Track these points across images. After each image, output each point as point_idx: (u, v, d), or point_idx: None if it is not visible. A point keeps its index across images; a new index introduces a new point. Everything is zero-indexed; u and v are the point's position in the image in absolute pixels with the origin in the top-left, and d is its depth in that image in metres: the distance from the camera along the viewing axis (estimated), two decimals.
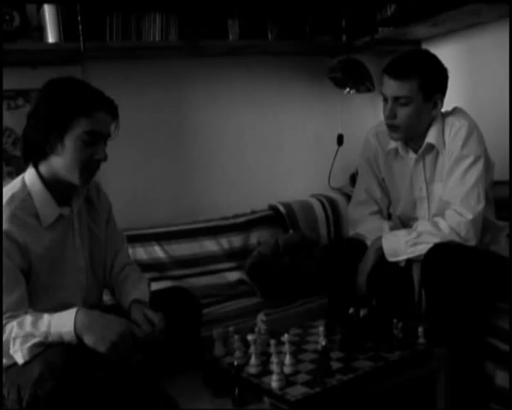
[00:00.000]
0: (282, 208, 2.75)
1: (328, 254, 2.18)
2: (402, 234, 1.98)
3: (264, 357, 1.55)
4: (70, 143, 1.49)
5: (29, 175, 1.55)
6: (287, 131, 3.00)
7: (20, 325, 1.38)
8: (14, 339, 1.37)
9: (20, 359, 1.36)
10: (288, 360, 1.49)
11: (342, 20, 2.79)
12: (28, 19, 2.28)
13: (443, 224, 1.90)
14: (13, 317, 1.40)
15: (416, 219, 2.08)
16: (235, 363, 1.51)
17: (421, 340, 1.65)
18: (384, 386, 1.54)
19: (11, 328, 1.38)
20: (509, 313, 1.75)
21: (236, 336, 1.63)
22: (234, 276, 2.50)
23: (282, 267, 2.37)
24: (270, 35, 2.67)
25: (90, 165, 1.53)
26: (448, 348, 1.68)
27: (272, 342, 1.47)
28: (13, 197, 1.50)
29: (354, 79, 2.86)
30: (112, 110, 1.56)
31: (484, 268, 1.83)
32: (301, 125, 3.03)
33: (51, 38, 2.24)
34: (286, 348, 1.50)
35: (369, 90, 2.90)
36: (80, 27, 2.23)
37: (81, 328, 1.39)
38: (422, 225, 1.95)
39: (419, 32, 2.66)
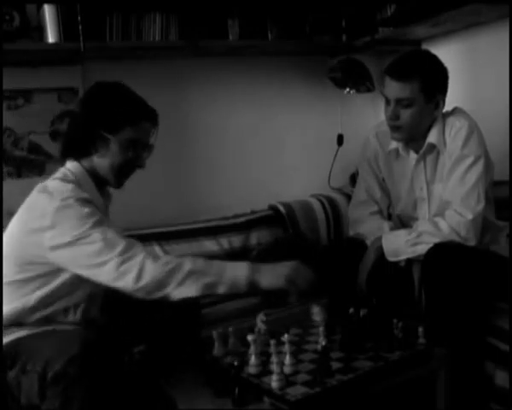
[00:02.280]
0: (282, 208, 2.75)
1: (328, 254, 2.18)
2: (402, 234, 1.98)
3: (264, 357, 1.55)
4: (114, 147, 1.59)
5: (73, 167, 1.62)
6: (287, 131, 2.99)
7: (194, 262, 1.50)
8: (190, 274, 1.48)
9: (190, 292, 1.48)
10: (287, 360, 1.49)
11: (342, 20, 2.79)
12: (28, 19, 2.28)
13: (443, 224, 1.90)
14: (134, 248, 1.50)
15: (416, 218, 2.08)
16: (235, 363, 1.51)
17: (421, 340, 1.65)
18: (384, 386, 1.53)
19: (172, 261, 1.50)
20: (509, 313, 1.75)
21: (236, 337, 1.63)
22: None
23: None
24: (270, 35, 2.67)
25: (127, 169, 1.65)
26: (448, 348, 1.68)
27: (272, 342, 1.47)
28: (71, 180, 1.58)
29: (354, 79, 2.85)
30: (154, 119, 1.68)
31: (484, 268, 1.83)
32: (301, 125, 3.03)
33: (51, 38, 2.24)
34: (286, 348, 1.50)
35: (369, 90, 2.89)
36: (80, 27, 2.23)
37: (253, 273, 1.51)
38: (422, 225, 1.95)
39: (419, 32, 2.66)
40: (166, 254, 1.99)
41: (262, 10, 2.64)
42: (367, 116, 3.08)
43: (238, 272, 1.51)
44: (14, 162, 2.42)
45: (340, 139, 3.05)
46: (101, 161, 1.61)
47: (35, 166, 2.46)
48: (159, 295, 1.49)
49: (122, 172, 1.65)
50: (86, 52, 2.28)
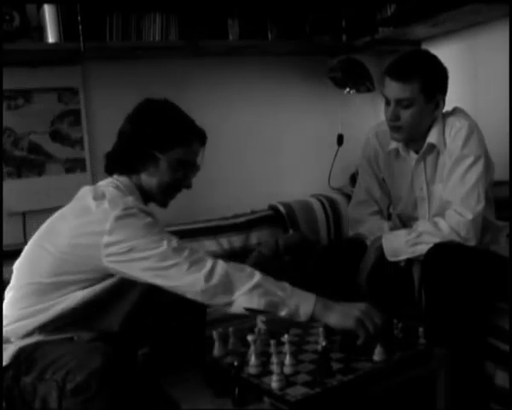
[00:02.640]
0: (282, 208, 2.75)
1: (328, 254, 2.17)
2: (402, 234, 1.98)
3: (264, 357, 1.55)
4: (164, 166, 1.59)
5: (124, 181, 1.61)
6: (287, 131, 3.00)
7: (263, 276, 1.49)
8: (257, 286, 1.46)
9: (254, 304, 1.45)
10: (288, 360, 1.49)
11: (342, 20, 2.79)
12: (28, 19, 2.29)
13: (443, 224, 1.90)
14: (195, 254, 1.47)
15: (416, 218, 2.08)
16: (235, 363, 1.51)
17: (422, 340, 1.65)
18: (384, 386, 1.53)
19: (243, 268, 1.51)
20: (509, 313, 1.75)
21: (236, 337, 1.63)
22: None
23: (282, 267, 2.36)
24: (270, 35, 2.67)
25: (174, 189, 1.65)
26: (448, 348, 1.68)
27: (272, 342, 1.46)
28: (127, 192, 1.57)
29: (354, 79, 2.86)
30: (203, 140, 1.67)
31: (484, 268, 1.83)
32: (301, 125, 3.03)
33: (51, 38, 2.24)
34: (286, 348, 1.50)
35: (369, 90, 2.90)
36: (80, 27, 2.23)
37: (321, 310, 1.47)
38: (422, 225, 1.95)
39: (419, 32, 2.66)
40: None
41: (262, 10, 2.65)
42: (367, 116, 3.08)
43: (305, 301, 1.48)
44: (14, 162, 2.43)
45: (340, 139, 3.05)
46: (149, 179, 1.61)
47: (35, 166, 2.47)
48: (224, 300, 1.46)
49: (169, 192, 1.65)
50: (86, 52, 2.28)
